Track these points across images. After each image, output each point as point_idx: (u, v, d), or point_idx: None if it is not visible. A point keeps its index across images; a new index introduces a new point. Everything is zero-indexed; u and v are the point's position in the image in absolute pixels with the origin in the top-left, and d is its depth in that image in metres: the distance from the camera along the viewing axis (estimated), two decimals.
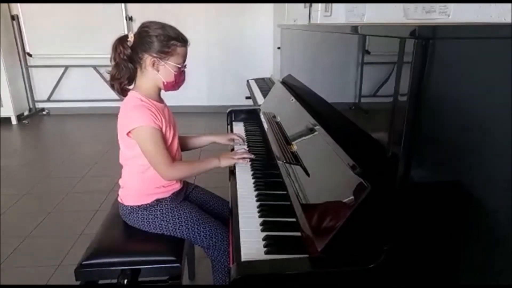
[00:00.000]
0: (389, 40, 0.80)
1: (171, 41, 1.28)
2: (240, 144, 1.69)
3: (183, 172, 1.39)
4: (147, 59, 1.28)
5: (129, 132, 1.29)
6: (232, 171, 1.44)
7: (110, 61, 1.33)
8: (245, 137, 1.79)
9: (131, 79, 1.35)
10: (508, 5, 0.93)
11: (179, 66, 1.32)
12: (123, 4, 4.77)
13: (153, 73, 1.30)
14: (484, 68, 0.70)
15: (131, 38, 1.29)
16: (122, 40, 1.30)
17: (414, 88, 0.70)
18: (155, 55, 1.27)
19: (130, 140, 1.31)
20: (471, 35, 0.70)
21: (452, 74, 0.70)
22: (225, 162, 1.41)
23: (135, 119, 1.27)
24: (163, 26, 1.29)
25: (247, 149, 1.64)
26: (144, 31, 1.29)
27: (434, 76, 0.69)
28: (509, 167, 0.74)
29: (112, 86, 1.36)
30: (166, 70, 1.30)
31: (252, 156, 1.46)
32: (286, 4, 4.00)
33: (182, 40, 1.31)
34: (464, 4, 1.11)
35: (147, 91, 1.34)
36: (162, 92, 1.40)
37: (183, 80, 1.39)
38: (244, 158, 1.43)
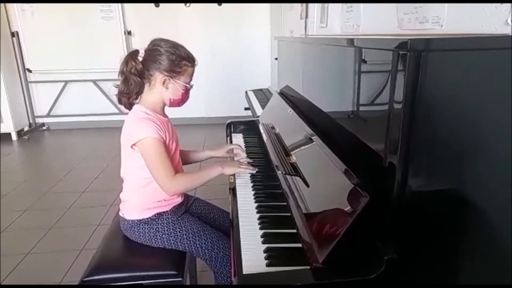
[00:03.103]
0: (385, 51, 0.81)
1: (183, 61, 1.32)
2: (239, 154, 1.67)
3: (186, 184, 1.37)
4: (158, 77, 1.32)
5: (134, 144, 1.30)
6: (232, 183, 1.44)
7: (118, 75, 1.36)
8: (244, 148, 1.80)
9: (139, 93, 1.38)
10: (499, 16, 0.95)
11: (187, 85, 1.36)
12: (121, 19, 4.82)
13: (161, 90, 1.34)
14: (477, 77, 0.72)
15: (141, 54, 1.32)
16: (134, 54, 1.33)
17: (408, 99, 0.71)
18: (166, 73, 1.31)
19: (133, 152, 1.32)
20: (462, 46, 0.72)
21: (445, 84, 0.72)
22: (229, 170, 1.40)
23: (140, 131, 1.29)
24: (175, 46, 1.32)
25: (247, 160, 1.65)
26: (156, 49, 1.32)
27: (427, 87, 0.71)
28: (505, 172, 0.75)
29: (120, 100, 1.38)
30: (175, 88, 1.34)
31: (256, 170, 1.45)
32: (282, 15, 4.06)
33: (192, 61, 1.36)
34: (456, 15, 1.13)
35: (152, 105, 1.37)
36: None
37: (188, 97, 1.43)
38: (247, 168, 1.43)
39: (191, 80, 1.39)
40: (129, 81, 1.33)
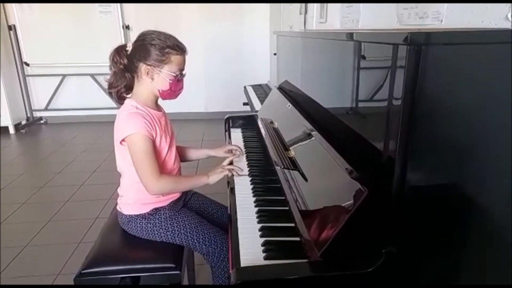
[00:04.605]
0: (384, 46, 0.81)
1: (166, 49, 1.28)
2: (238, 156, 1.62)
3: (168, 187, 1.36)
4: (142, 68, 1.30)
5: (123, 140, 1.30)
6: (230, 177, 1.44)
7: (110, 69, 1.35)
8: (243, 147, 1.77)
9: (129, 87, 1.37)
10: (499, 11, 0.95)
11: (174, 74, 1.31)
12: (119, 13, 4.80)
13: (148, 81, 1.31)
14: (476, 72, 0.72)
15: (129, 48, 1.31)
16: (119, 50, 1.32)
17: (408, 93, 0.71)
18: (149, 63, 1.28)
19: (124, 148, 1.31)
20: (462, 40, 0.72)
21: (444, 78, 0.72)
22: (214, 178, 1.39)
23: (128, 126, 1.28)
24: (160, 35, 1.30)
25: (244, 153, 1.65)
26: (140, 39, 1.31)
27: (427, 81, 0.70)
28: (505, 167, 0.75)
29: (110, 94, 1.37)
30: (160, 78, 1.31)
31: (240, 171, 1.43)
32: (281, 10, 4.04)
33: (178, 48, 1.31)
34: (456, 10, 1.13)
35: (143, 99, 1.35)
36: (161, 100, 1.41)
37: (181, 88, 1.38)
38: (232, 170, 1.41)
39: (181, 69, 1.34)
40: (117, 75, 1.33)
